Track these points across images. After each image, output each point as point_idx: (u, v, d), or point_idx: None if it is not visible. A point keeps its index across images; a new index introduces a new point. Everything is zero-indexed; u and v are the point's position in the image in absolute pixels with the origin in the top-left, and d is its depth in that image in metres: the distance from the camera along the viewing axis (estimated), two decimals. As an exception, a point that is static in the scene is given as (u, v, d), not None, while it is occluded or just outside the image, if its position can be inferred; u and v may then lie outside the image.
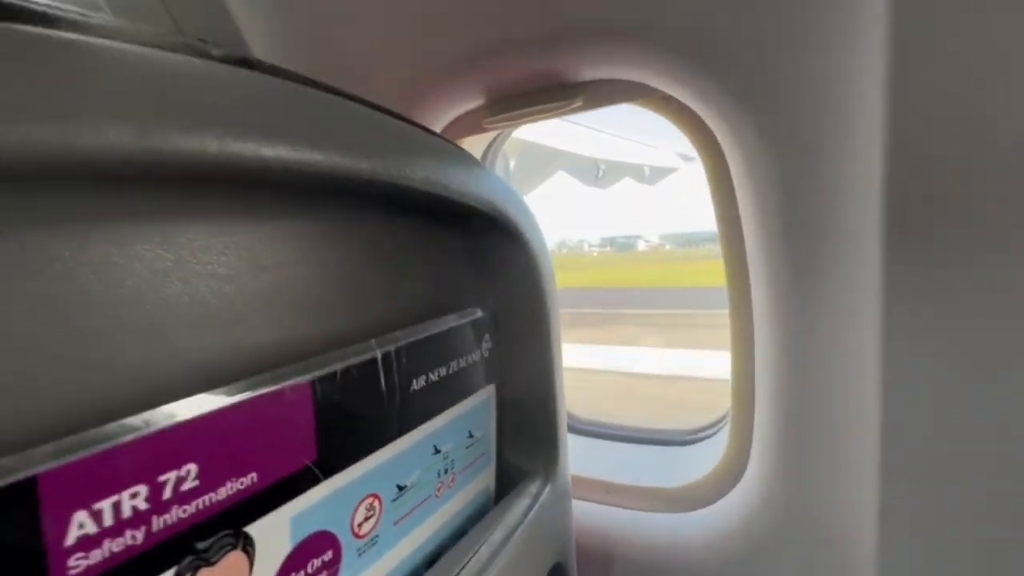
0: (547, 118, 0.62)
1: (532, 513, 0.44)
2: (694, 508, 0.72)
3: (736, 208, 0.58)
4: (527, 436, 0.50)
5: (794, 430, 0.58)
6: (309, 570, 0.28)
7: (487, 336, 0.44)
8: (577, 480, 0.77)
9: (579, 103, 0.59)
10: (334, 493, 0.30)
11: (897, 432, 0.50)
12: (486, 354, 0.44)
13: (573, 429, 0.89)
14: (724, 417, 0.82)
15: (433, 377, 0.37)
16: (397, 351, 0.34)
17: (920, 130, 0.43)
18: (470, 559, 0.38)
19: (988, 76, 0.42)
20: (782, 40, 0.50)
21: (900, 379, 0.48)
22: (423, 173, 0.35)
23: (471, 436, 0.42)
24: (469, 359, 0.42)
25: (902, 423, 0.49)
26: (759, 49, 0.51)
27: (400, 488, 0.35)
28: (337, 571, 0.30)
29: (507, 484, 0.48)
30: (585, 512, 0.76)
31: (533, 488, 0.47)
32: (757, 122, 0.52)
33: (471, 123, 0.68)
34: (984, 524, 0.48)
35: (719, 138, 0.56)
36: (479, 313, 0.43)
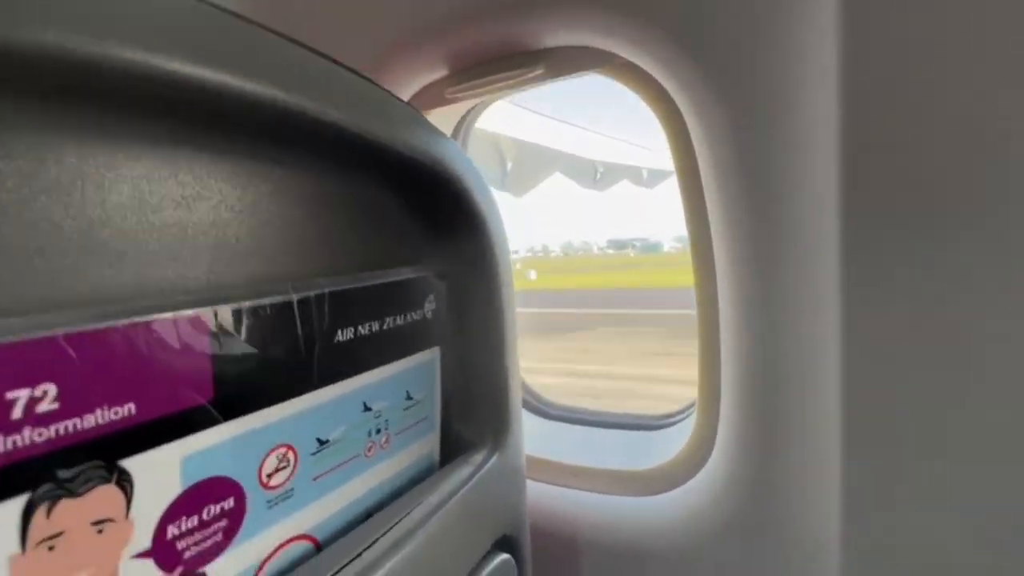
0: (509, 87, 0.61)
1: (473, 481, 0.42)
2: (660, 491, 0.70)
3: (699, 179, 0.57)
4: (475, 406, 0.48)
5: (759, 406, 0.57)
6: (205, 516, 0.27)
7: (431, 296, 0.43)
8: (542, 464, 0.76)
9: (540, 71, 0.58)
10: (237, 438, 0.28)
11: (859, 409, 0.48)
12: (429, 315, 0.43)
13: (542, 413, 0.88)
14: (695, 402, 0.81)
15: (363, 331, 0.36)
16: (318, 298, 0.33)
17: (876, 99, 0.42)
18: (400, 520, 0.36)
19: (945, 39, 0.41)
20: (743, 4, 0.49)
21: (862, 353, 0.47)
22: (365, 122, 0.34)
23: (410, 398, 0.41)
24: (409, 317, 0.40)
25: (865, 398, 0.48)
26: (719, 14, 0.50)
27: (321, 442, 0.33)
28: (240, 521, 0.29)
29: (454, 455, 0.47)
30: (549, 495, 0.74)
31: (478, 457, 0.45)
32: (717, 89, 0.51)
33: (435, 95, 0.66)
34: (950, 503, 0.46)
35: (680, 106, 0.55)
36: (421, 272, 0.42)
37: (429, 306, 0.43)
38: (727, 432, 0.63)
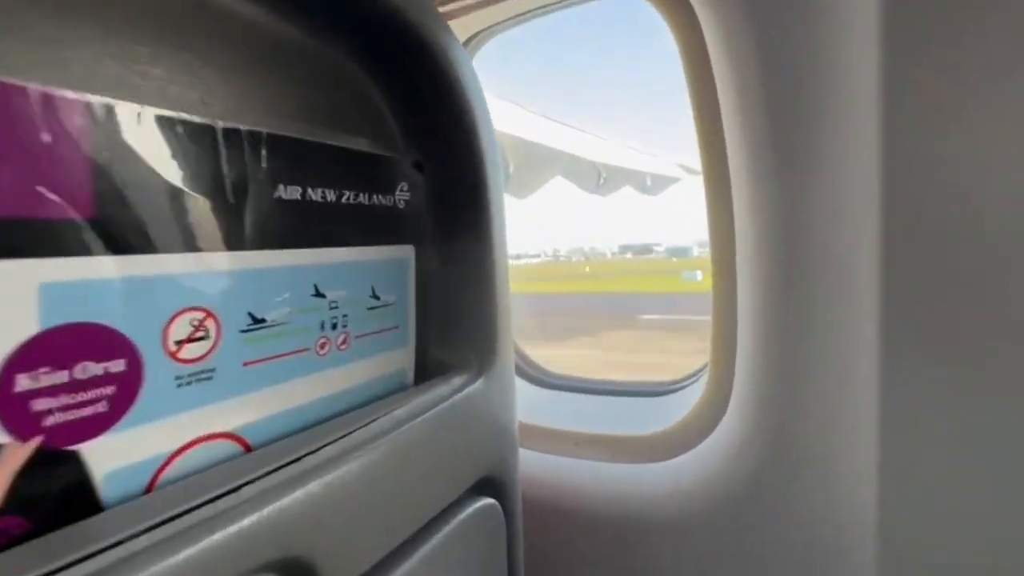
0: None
1: (451, 402, 0.36)
2: (668, 456, 0.63)
3: (715, 100, 0.51)
4: (458, 326, 0.42)
5: (779, 370, 0.50)
6: (78, 375, 0.20)
7: (403, 185, 0.36)
8: (544, 432, 0.69)
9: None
10: (129, 281, 0.22)
11: (900, 355, 0.42)
12: (402, 205, 0.36)
13: (537, 381, 0.81)
14: (704, 367, 0.74)
15: (314, 196, 0.29)
16: (253, 137, 0.26)
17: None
18: (355, 430, 0.29)
19: None
20: None
21: (898, 322, 0.40)
22: None
23: (376, 297, 0.34)
24: (374, 199, 0.34)
25: (907, 342, 0.41)
26: None
27: (255, 320, 0.27)
28: (134, 394, 0.22)
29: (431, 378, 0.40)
30: (544, 465, 0.67)
31: (458, 380, 0.38)
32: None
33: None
34: (983, 463, 0.40)
35: (695, 7, 0.49)
36: (392, 153, 0.36)
37: (402, 195, 0.36)
38: (743, 387, 0.56)
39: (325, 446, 0.27)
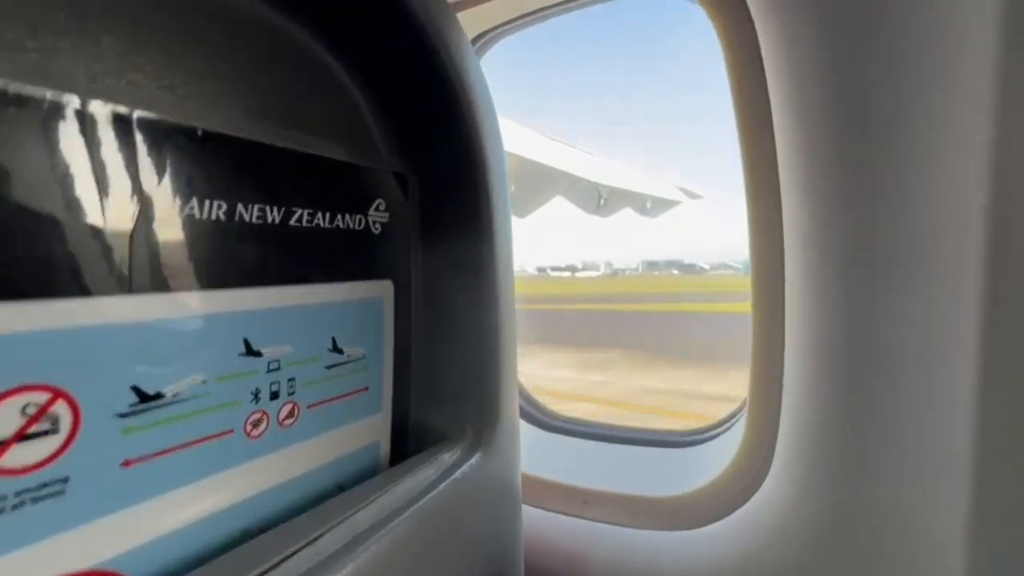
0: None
1: (441, 489, 0.27)
2: (696, 524, 0.54)
3: (769, 115, 0.43)
4: (449, 384, 0.33)
5: (838, 422, 0.41)
6: None
7: (379, 203, 0.28)
8: (542, 485, 0.60)
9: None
10: None
11: (998, 413, 0.33)
12: (376, 228, 0.28)
13: (541, 424, 0.72)
14: (735, 413, 0.65)
15: (248, 215, 0.21)
16: (149, 127, 0.18)
17: None
18: (313, 540, 0.20)
19: None
20: None
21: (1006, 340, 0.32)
22: None
23: (337, 350, 0.26)
24: (337, 221, 0.25)
25: (1008, 398, 0.32)
26: None
27: (143, 396, 0.18)
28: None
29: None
30: (550, 526, 0.58)
31: (448, 457, 0.30)
32: None
33: None
34: None
35: (755, 17, 0.42)
36: (363, 161, 0.28)
37: (377, 216, 0.28)
38: (789, 445, 0.47)
39: (270, 569, 0.18)
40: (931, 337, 0.36)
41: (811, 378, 0.43)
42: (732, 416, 0.64)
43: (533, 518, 0.59)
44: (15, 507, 0.15)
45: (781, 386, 0.47)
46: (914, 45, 0.33)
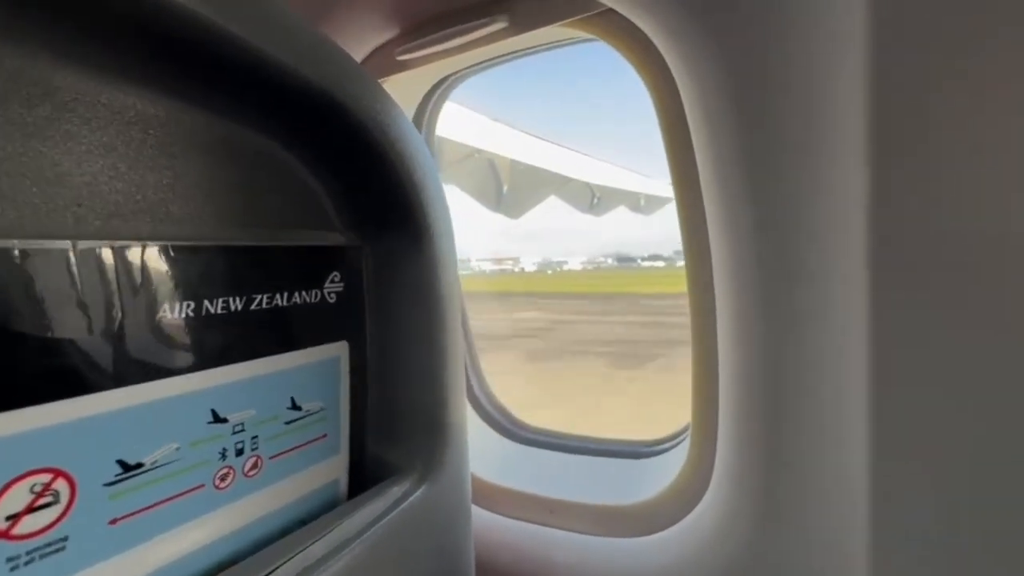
0: (468, 46, 0.52)
1: (391, 519, 0.31)
2: (649, 531, 0.58)
3: (691, 152, 0.47)
4: (400, 419, 0.37)
5: (766, 434, 0.46)
6: None
7: (335, 275, 0.32)
8: (508, 494, 0.64)
9: (503, 24, 0.49)
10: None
11: (893, 424, 0.37)
12: (332, 298, 0.32)
13: (510, 435, 0.76)
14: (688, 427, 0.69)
15: (213, 308, 0.26)
16: (122, 254, 0.22)
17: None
18: (275, 570, 0.25)
19: None
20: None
21: (895, 359, 0.36)
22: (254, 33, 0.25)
23: (296, 408, 0.30)
24: (295, 299, 0.30)
25: (900, 410, 0.37)
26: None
27: (127, 467, 0.23)
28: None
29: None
30: (515, 533, 0.62)
31: (397, 489, 0.34)
32: (713, 41, 0.41)
33: (387, 58, 0.57)
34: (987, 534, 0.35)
35: (669, 63, 0.46)
36: (318, 241, 0.32)
37: (332, 287, 0.32)
38: (727, 457, 0.52)
39: None
40: (825, 356, 0.40)
41: (741, 402, 0.48)
42: (687, 429, 0.69)
43: (501, 527, 0.64)
44: (27, 563, 0.20)
45: (717, 407, 0.52)
46: (797, 74, 0.38)
